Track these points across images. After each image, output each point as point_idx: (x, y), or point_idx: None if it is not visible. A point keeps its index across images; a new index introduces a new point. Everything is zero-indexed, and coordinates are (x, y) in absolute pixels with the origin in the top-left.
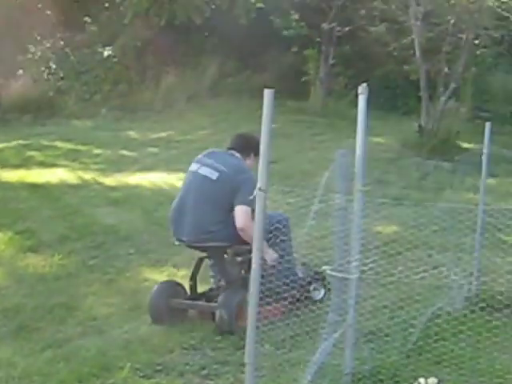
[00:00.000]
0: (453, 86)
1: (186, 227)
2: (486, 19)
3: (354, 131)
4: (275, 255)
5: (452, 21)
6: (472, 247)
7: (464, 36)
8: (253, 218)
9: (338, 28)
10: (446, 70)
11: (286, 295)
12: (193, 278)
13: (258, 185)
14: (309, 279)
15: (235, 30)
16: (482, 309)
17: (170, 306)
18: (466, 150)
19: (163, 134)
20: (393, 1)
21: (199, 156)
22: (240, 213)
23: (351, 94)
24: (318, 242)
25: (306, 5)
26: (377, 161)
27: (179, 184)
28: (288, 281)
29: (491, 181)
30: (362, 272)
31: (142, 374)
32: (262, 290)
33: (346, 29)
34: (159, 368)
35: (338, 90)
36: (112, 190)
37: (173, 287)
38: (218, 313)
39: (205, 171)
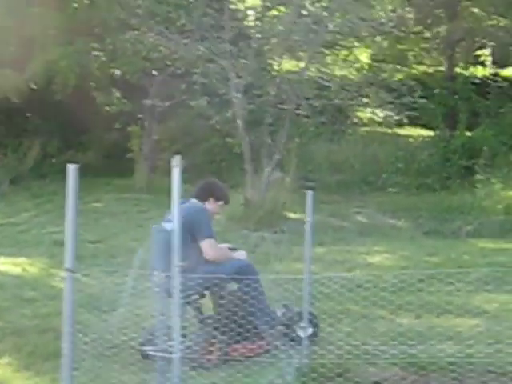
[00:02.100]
0: (277, 157)
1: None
2: (306, 89)
3: None
4: (243, 252)
5: (273, 92)
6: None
7: (285, 107)
8: None
9: (160, 103)
10: (269, 141)
11: (264, 334)
12: None
13: (66, 265)
14: (292, 318)
15: (56, 109)
16: (314, 379)
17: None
18: (294, 220)
19: None
20: (213, 74)
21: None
22: (206, 247)
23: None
24: (142, 320)
25: (126, 81)
26: None
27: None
28: (266, 319)
29: (319, 249)
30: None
31: None
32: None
33: (167, 104)
34: None
35: (163, 166)
36: None
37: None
38: None
39: (163, 227)
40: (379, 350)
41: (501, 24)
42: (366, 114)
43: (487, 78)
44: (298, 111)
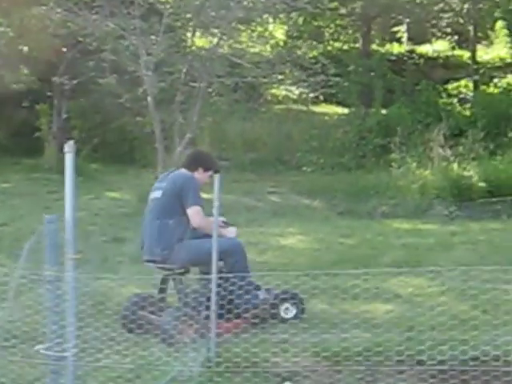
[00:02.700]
0: (188, 135)
1: (145, 248)
2: (219, 67)
3: (90, 188)
4: (234, 228)
5: (185, 69)
6: None
7: (198, 84)
8: None
9: (69, 81)
10: (180, 119)
11: (246, 314)
12: (160, 292)
13: None
14: (277, 300)
15: None
16: (221, 372)
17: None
18: (208, 200)
19: None
20: (123, 51)
21: None
22: (192, 214)
23: (86, 148)
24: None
25: (35, 58)
26: (113, 217)
27: None
28: (248, 297)
29: None
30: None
31: None
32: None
33: (75, 82)
34: None
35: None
36: None
37: (145, 300)
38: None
39: (153, 195)
40: (290, 338)
41: (417, 0)
42: (280, 91)
43: (403, 54)
44: (210, 89)
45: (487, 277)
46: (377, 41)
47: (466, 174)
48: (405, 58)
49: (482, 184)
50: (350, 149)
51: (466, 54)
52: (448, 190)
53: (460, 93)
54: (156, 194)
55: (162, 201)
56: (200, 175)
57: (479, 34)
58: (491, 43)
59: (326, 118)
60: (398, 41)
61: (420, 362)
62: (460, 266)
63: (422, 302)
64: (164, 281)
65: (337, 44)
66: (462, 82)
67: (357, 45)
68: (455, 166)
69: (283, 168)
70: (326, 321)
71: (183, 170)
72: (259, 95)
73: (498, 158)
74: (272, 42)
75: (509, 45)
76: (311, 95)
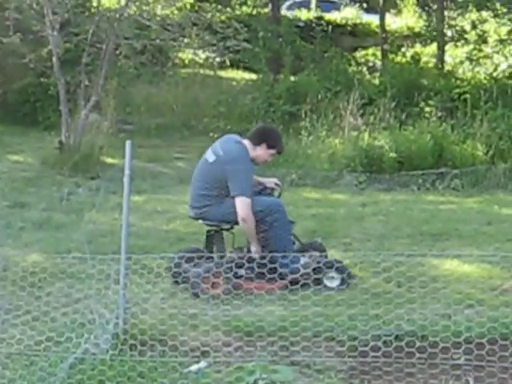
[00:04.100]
0: (94, 98)
1: (189, 203)
2: (126, 28)
3: None
4: (259, 249)
5: (91, 30)
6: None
7: (104, 46)
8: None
9: None
10: (86, 82)
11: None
12: (207, 247)
13: None
14: (321, 266)
15: None
16: (132, 346)
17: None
18: (112, 165)
19: None
20: (27, 10)
21: None
22: (241, 204)
23: None
24: None
25: None
26: (15, 181)
27: None
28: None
29: (137, 198)
30: None
31: None
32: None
33: None
34: None
35: None
36: None
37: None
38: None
39: (208, 154)
40: (201, 313)
41: None
42: (187, 55)
43: (311, 21)
44: (117, 51)
45: (400, 248)
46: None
47: (376, 143)
48: (313, 25)
49: (392, 154)
50: (259, 115)
51: (375, 22)
52: (358, 159)
53: (368, 61)
54: (209, 156)
55: (211, 168)
56: (262, 151)
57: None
58: (399, 12)
59: (234, 83)
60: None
61: (332, 338)
62: (372, 237)
63: None
64: (208, 235)
65: (245, 8)
66: (371, 51)
67: (265, 10)
68: (366, 135)
69: (190, 133)
70: (240, 297)
71: (244, 142)
72: (167, 59)
73: (409, 128)
74: (179, 4)
75: (417, 14)
76: (218, 60)
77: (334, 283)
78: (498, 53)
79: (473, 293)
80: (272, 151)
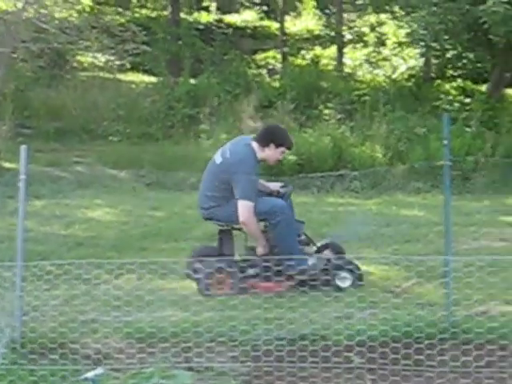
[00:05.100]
0: None
1: (198, 204)
2: (23, 31)
3: None
4: (266, 250)
5: None
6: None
7: (1, 49)
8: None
9: None
10: None
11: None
12: (219, 245)
13: None
14: (330, 267)
15: None
16: (26, 355)
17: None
18: (9, 170)
19: None
20: None
21: None
22: (242, 208)
23: None
24: None
25: None
26: None
27: None
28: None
29: (36, 203)
30: None
31: None
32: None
33: None
34: None
35: None
36: None
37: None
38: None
39: (217, 155)
40: (98, 318)
41: None
42: (86, 58)
43: (211, 24)
44: (15, 54)
45: None
46: (185, 9)
47: None
48: (213, 28)
49: (292, 157)
50: (158, 119)
51: (274, 25)
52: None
53: (268, 64)
54: (217, 158)
55: (217, 170)
56: (271, 151)
57: (287, 6)
58: (299, 15)
59: (133, 86)
60: (207, 9)
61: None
62: None
63: None
64: (221, 233)
65: (144, 11)
66: (270, 53)
67: (165, 12)
68: None
69: (89, 137)
70: (139, 299)
71: (252, 145)
72: (65, 62)
73: (309, 130)
74: (78, 7)
75: (316, 17)
76: (118, 63)
77: (346, 283)
78: (396, 55)
79: (369, 295)
80: (281, 149)
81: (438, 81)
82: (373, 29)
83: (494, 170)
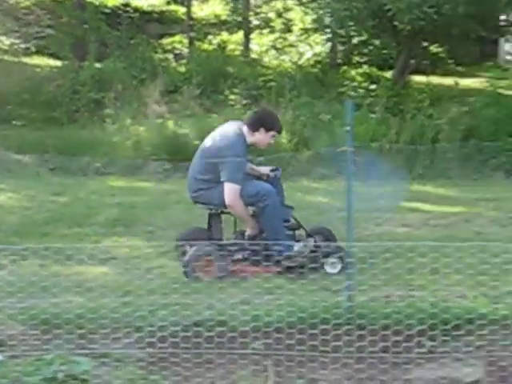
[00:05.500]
0: None
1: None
2: None
3: None
4: (253, 232)
5: None
6: None
7: None
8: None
9: None
10: None
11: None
12: (208, 229)
13: None
14: (318, 253)
15: None
16: None
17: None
18: None
19: None
20: None
21: None
22: (227, 190)
23: None
24: None
25: None
26: None
27: None
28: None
29: None
30: None
31: None
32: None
33: None
34: None
35: None
36: None
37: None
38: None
39: (207, 139)
40: None
41: None
42: None
43: (118, 8)
44: None
45: None
46: None
47: (180, 131)
48: (119, 12)
49: (197, 142)
50: (63, 103)
51: (181, 10)
52: (163, 147)
53: (175, 49)
54: (207, 142)
55: (206, 153)
56: (261, 136)
57: None
58: (206, 0)
59: (38, 70)
60: None
61: (139, 329)
62: (175, 225)
63: (138, 264)
64: (210, 217)
65: None
66: (177, 38)
67: None
68: (170, 123)
69: None
70: (36, 284)
71: (242, 129)
72: None
73: (214, 116)
74: None
75: (223, 2)
76: (22, 46)
77: (336, 269)
78: (302, 41)
79: (273, 278)
80: (272, 133)
81: (344, 67)
82: (279, 15)
83: (397, 156)
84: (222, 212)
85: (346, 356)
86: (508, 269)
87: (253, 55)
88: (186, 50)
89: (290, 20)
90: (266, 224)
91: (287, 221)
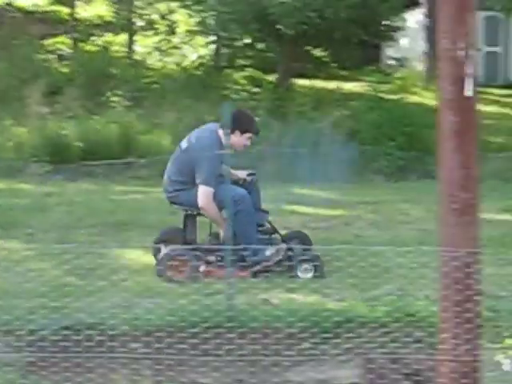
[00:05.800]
0: None
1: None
2: None
3: None
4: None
5: None
6: None
7: None
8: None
9: None
10: None
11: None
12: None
13: None
14: (289, 259)
15: None
16: None
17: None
18: None
19: None
20: None
21: None
22: (201, 193)
23: None
24: None
25: None
26: None
27: None
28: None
29: None
30: None
31: None
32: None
33: None
34: None
35: None
36: None
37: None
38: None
39: (183, 141)
40: None
41: None
42: None
43: (1, 7)
44: None
45: (83, 240)
46: None
47: (62, 133)
48: (2, 11)
49: (78, 143)
50: None
51: (65, 10)
52: (44, 149)
53: (58, 49)
54: (183, 144)
55: (182, 156)
56: (237, 138)
57: None
58: (90, 1)
59: None
60: None
61: (10, 332)
62: (56, 228)
63: (13, 267)
64: (186, 217)
65: None
66: (60, 39)
67: None
68: (51, 124)
69: None
70: None
71: (218, 132)
72: None
73: (96, 117)
74: None
75: (107, 3)
76: None
77: (308, 275)
78: (186, 43)
79: (154, 284)
80: (247, 135)
81: (228, 70)
82: (163, 17)
83: (279, 159)
84: (199, 214)
85: (214, 360)
86: (386, 271)
87: (136, 57)
88: (69, 51)
89: (174, 22)
90: (239, 228)
91: (262, 225)
